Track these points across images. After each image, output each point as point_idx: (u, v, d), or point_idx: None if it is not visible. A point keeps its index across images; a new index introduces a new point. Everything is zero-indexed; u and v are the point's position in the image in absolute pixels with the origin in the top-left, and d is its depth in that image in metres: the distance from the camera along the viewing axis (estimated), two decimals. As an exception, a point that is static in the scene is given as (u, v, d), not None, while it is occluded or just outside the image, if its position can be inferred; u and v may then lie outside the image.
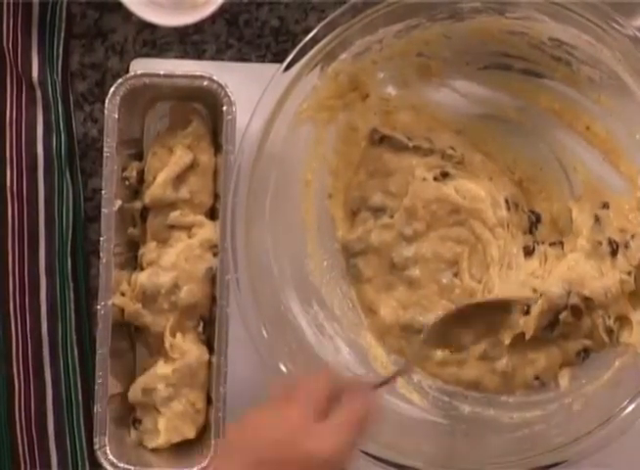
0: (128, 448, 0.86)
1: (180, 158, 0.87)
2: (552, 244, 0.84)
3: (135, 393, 0.87)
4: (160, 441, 0.86)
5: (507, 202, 0.84)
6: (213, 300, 0.87)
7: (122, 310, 0.87)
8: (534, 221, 0.86)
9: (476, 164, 0.85)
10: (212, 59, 0.91)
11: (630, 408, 0.75)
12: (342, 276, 0.87)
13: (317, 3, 0.91)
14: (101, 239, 0.85)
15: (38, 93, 0.89)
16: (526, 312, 0.80)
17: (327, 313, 0.86)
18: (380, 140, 0.85)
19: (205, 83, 0.86)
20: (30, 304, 0.88)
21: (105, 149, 0.86)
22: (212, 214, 0.89)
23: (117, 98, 0.86)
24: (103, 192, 0.86)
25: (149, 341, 0.88)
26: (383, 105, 0.85)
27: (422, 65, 0.84)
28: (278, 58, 0.89)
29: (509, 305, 0.81)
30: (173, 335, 0.86)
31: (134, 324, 0.88)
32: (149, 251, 0.87)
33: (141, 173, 0.89)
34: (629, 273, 0.80)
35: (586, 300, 0.80)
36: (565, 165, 0.86)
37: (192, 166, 0.87)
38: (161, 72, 0.86)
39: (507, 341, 0.81)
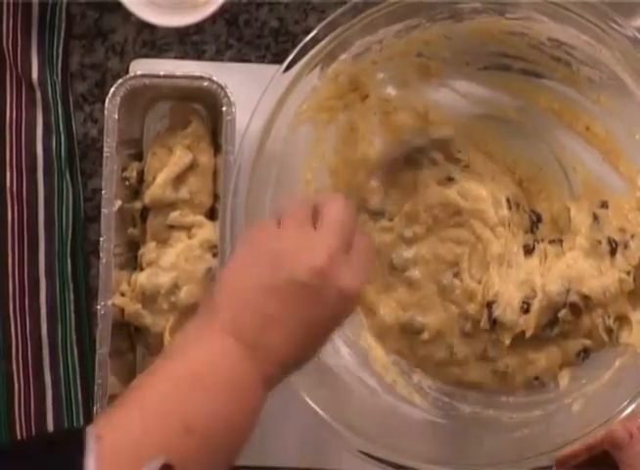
0: (128, 449, 0.86)
1: (180, 158, 0.87)
2: (551, 241, 0.84)
3: (134, 393, 0.87)
4: (160, 441, 0.86)
5: (508, 201, 0.84)
6: (213, 300, 0.87)
7: (122, 311, 0.87)
8: (535, 221, 0.86)
9: (478, 164, 0.85)
10: (212, 59, 0.91)
11: (630, 408, 0.75)
12: (341, 277, 0.87)
13: (317, 3, 0.91)
14: (101, 239, 0.85)
15: (38, 94, 0.89)
16: (526, 310, 0.80)
17: (326, 314, 0.85)
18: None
19: (205, 84, 0.86)
20: (30, 304, 0.88)
21: (105, 149, 0.86)
22: (212, 215, 0.89)
23: (117, 98, 0.86)
24: (103, 192, 0.86)
25: (149, 341, 0.88)
26: (382, 105, 0.85)
27: (422, 65, 0.84)
28: (278, 58, 0.89)
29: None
30: (173, 336, 0.86)
31: (134, 324, 0.88)
32: (148, 251, 0.87)
33: (141, 174, 0.89)
34: (628, 273, 0.80)
35: (585, 298, 0.80)
36: (564, 166, 0.86)
37: (192, 167, 0.87)
38: (161, 73, 0.86)
39: (507, 341, 0.81)
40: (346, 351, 0.85)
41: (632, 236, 0.81)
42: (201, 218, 0.88)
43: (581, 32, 0.77)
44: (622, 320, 0.81)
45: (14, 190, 0.88)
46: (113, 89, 0.86)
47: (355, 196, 0.86)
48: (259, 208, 0.80)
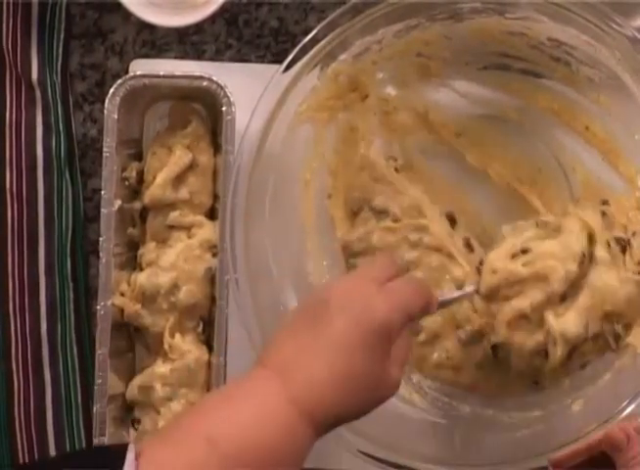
0: (128, 449, 0.86)
1: (180, 158, 0.87)
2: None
3: (132, 390, 0.87)
4: (160, 441, 0.86)
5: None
6: (213, 300, 0.87)
7: (122, 311, 0.87)
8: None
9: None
10: (212, 59, 0.91)
11: (630, 408, 0.75)
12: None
13: (317, 3, 0.91)
14: (100, 239, 0.85)
15: (38, 93, 0.89)
16: (545, 356, 0.76)
17: (326, 314, 0.85)
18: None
19: (205, 84, 0.86)
20: (30, 304, 0.88)
21: (104, 149, 0.86)
22: (212, 215, 0.89)
23: (117, 98, 0.86)
24: (102, 192, 0.86)
25: (148, 341, 0.88)
26: (382, 105, 0.85)
27: (421, 65, 0.84)
28: (277, 58, 0.89)
29: None
30: (172, 336, 0.86)
31: (134, 324, 0.88)
32: (148, 251, 0.87)
33: (140, 173, 0.89)
34: (638, 272, 0.78)
35: (607, 315, 0.76)
36: (564, 165, 0.86)
37: (191, 167, 0.87)
38: (161, 73, 0.86)
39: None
40: (346, 350, 0.85)
41: (634, 234, 0.80)
42: (200, 218, 0.88)
43: (581, 32, 0.77)
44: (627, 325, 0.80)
45: (14, 190, 0.88)
46: (112, 89, 0.86)
47: (358, 195, 0.86)
48: (259, 208, 0.80)
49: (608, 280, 0.76)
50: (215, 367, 0.85)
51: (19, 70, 0.89)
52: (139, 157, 0.89)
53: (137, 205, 0.88)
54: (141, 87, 0.86)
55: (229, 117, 0.85)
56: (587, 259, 0.75)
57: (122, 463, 0.59)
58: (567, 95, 0.84)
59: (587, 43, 0.77)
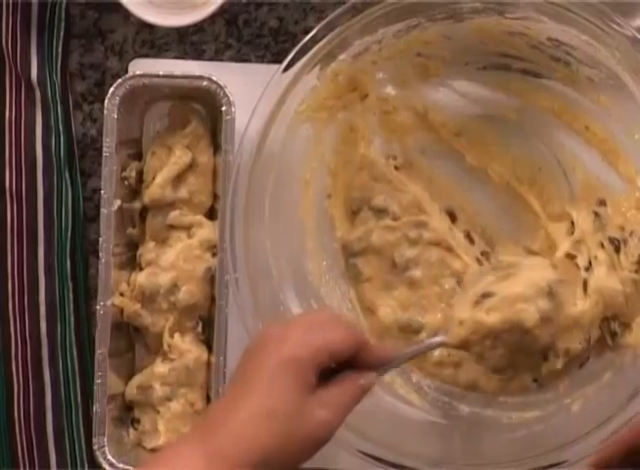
0: (127, 449, 0.86)
1: (179, 158, 0.87)
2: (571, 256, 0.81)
3: (131, 390, 0.87)
4: (160, 441, 0.86)
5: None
6: (212, 300, 0.87)
7: (122, 311, 0.87)
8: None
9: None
10: (211, 59, 0.91)
11: (630, 409, 0.75)
12: (341, 276, 0.87)
13: (316, 3, 0.91)
14: (100, 239, 0.85)
15: (37, 93, 0.89)
16: (544, 359, 0.77)
17: (326, 314, 0.85)
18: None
19: (205, 83, 0.86)
20: (29, 304, 0.88)
21: (104, 149, 0.86)
22: (212, 215, 0.89)
23: (117, 98, 0.86)
24: (102, 192, 0.86)
25: (148, 341, 0.88)
26: (382, 105, 0.85)
27: (421, 65, 0.84)
28: (277, 58, 0.89)
29: None
30: (172, 335, 0.86)
31: (133, 324, 0.88)
32: (148, 251, 0.87)
33: (140, 173, 0.89)
34: (637, 271, 0.78)
35: (606, 319, 0.78)
36: (564, 165, 0.86)
37: (191, 166, 0.87)
38: (161, 73, 0.86)
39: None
40: (346, 350, 0.85)
41: (631, 233, 0.80)
42: (200, 218, 0.88)
43: (581, 32, 0.77)
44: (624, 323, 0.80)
45: (13, 189, 0.88)
46: (112, 89, 0.86)
47: (357, 195, 0.86)
48: (259, 208, 0.80)
49: (608, 282, 0.77)
50: (215, 367, 0.85)
51: (18, 69, 0.89)
52: (139, 156, 0.89)
53: (137, 204, 0.88)
54: (141, 87, 0.86)
55: (229, 117, 0.85)
56: (556, 289, 0.74)
57: None
58: (567, 95, 0.84)
59: (587, 43, 0.77)
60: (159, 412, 0.86)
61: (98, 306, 0.85)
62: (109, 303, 0.85)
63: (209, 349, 0.87)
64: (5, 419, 0.88)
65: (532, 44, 0.81)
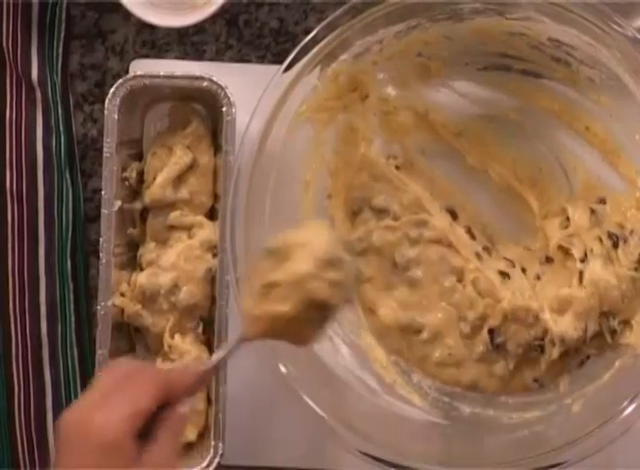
0: (128, 449, 0.86)
1: (180, 158, 0.87)
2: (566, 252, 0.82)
3: (132, 391, 0.87)
4: (160, 441, 0.86)
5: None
6: (213, 300, 0.87)
7: (122, 311, 0.86)
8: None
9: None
10: (212, 59, 0.91)
11: (630, 409, 0.75)
12: (341, 276, 0.87)
13: (317, 4, 0.91)
14: (101, 239, 0.85)
15: (38, 94, 0.89)
16: (541, 351, 0.78)
17: (326, 314, 0.85)
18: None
19: (205, 84, 0.86)
20: (30, 304, 0.88)
21: (104, 149, 0.86)
22: (212, 215, 0.89)
23: (117, 99, 0.86)
24: (102, 192, 0.86)
25: (148, 341, 0.88)
26: (382, 105, 0.85)
27: (421, 65, 0.85)
28: (278, 59, 0.89)
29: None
30: (172, 336, 0.86)
31: (134, 325, 0.88)
32: (148, 251, 0.87)
33: (141, 174, 0.89)
34: (636, 269, 0.79)
35: (603, 314, 0.78)
36: (564, 166, 0.86)
37: (192, 167, 0.87)
38: (161, 73, 0.86)
39: (511, 366, 0.81)
40: (346, 350, 0.85)
41: (631, 232, 0.80)
42: (201, 218, 0.88)
43: (581, 33, 0.77)
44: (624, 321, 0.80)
45: (14, 189, 0.89)
46: (112, 89, 0.86)
47: (358, 195, 0.86)
48: (259, 208, 0.80)
49: (603, 275, 0.77)
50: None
51: (19, 70, 0.89)
52: (139, 157, 0.89)
53: (137, 205, 0.88)
54: (141, 87, 0.86)
55: (229, 118, 0.85)
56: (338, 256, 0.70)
57: None
58: (567, 95, 0.84)
59: (588, 44, 0.77)
60: (159, 413, 0.86)
61: (98, 307, 0.85)
62: (109, 303, 0.85)
63: (210, 349, 0.87)
64: (5, 419, 0.88)
65: (533, 44, 0.81)
